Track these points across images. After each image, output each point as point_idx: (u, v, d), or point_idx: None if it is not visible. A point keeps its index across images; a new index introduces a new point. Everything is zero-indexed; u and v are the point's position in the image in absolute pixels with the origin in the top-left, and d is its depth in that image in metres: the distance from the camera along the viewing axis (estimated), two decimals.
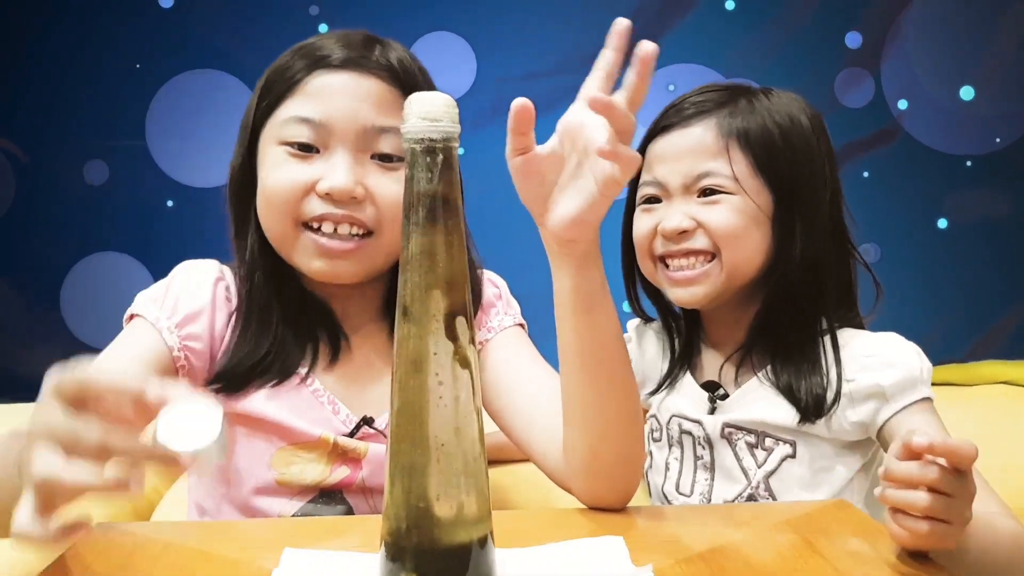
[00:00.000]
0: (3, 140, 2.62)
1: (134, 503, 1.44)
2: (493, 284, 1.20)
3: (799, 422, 1.10)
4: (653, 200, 1.17)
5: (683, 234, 1.13)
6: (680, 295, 1.16)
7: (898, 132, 2.63)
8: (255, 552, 0.84)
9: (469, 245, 1.11)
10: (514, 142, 0.83)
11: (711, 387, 1.20)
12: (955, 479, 0.76)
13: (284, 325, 1.09)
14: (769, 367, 1.15)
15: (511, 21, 2.61)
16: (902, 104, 2.63)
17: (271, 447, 1.07)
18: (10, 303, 2.65)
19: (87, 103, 2.61)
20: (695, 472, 1.18)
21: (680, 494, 1.19)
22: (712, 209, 1.12)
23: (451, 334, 0.68)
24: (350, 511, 1.09)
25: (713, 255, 1.13)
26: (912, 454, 0.78)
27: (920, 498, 0.76)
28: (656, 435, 1.25)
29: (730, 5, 2.63)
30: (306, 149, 1.04)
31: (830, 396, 1.09)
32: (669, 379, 1.24)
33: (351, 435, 1.09)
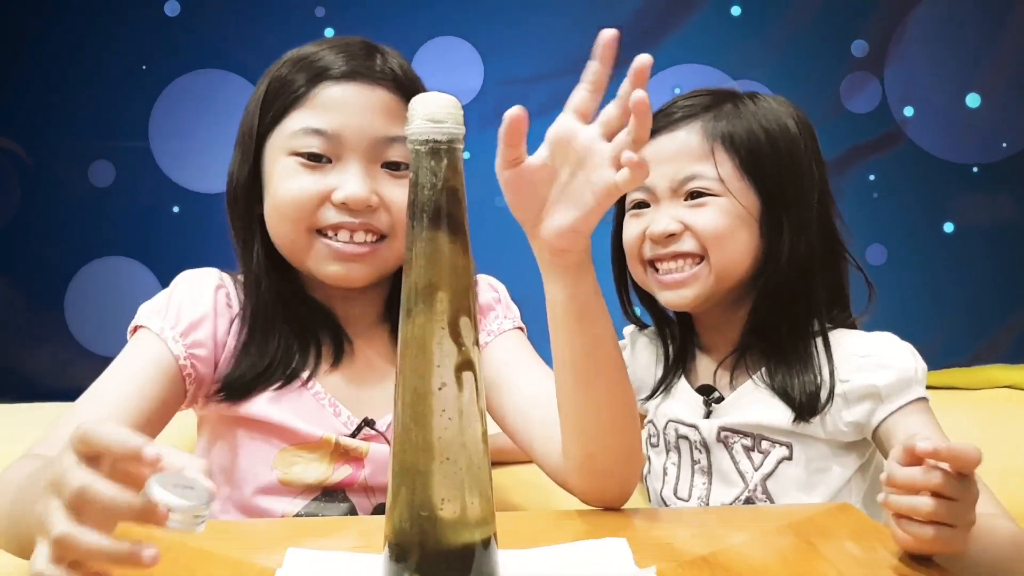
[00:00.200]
0: (7, 141, 2.63)
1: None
2: (492, 288, 1.21)
3: (793, 421, 1.11)
4: (642, 205, 1.18)
5: (671, 237, 1.13)
6: (670, 298, 1.17)
7: (905, 138, 2.62)
8: (258, 552, 0.84)
9: None
10: (505, 153, 0.83)
11: (706, 391, 1.20)
12: (959, 483, 0.76)
13: (288, 332, 1.10)
14: (763, 369, 1.15)
15: (514, 23, 2.61)
16: (908, 111, 2.62)
17: (273, 448, 1.08)
18: (14, 303, 2.65)
19: (91, 104, 2.62)
20: (693, 476, 1.19)
21: (678, 499, 1.19)
22: (699, 212, 1.13)
23: (455, 335, 0.68)
24: (353, 510, 1.09)
25: (701, 257, 1.14)
26: (914, 459, 0.77)
27: (924, 503, 0.76)
28: (653, 440, 1.25)
29: (736, 11, 2.63)
30: (316, 159, 1.06)
31: (823, 394, 1.10)
32: (664, 384, 1.25)
33: (352, 437, 1.10)
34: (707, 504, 1.16)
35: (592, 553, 0.83)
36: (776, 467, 1.13)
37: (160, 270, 2.59)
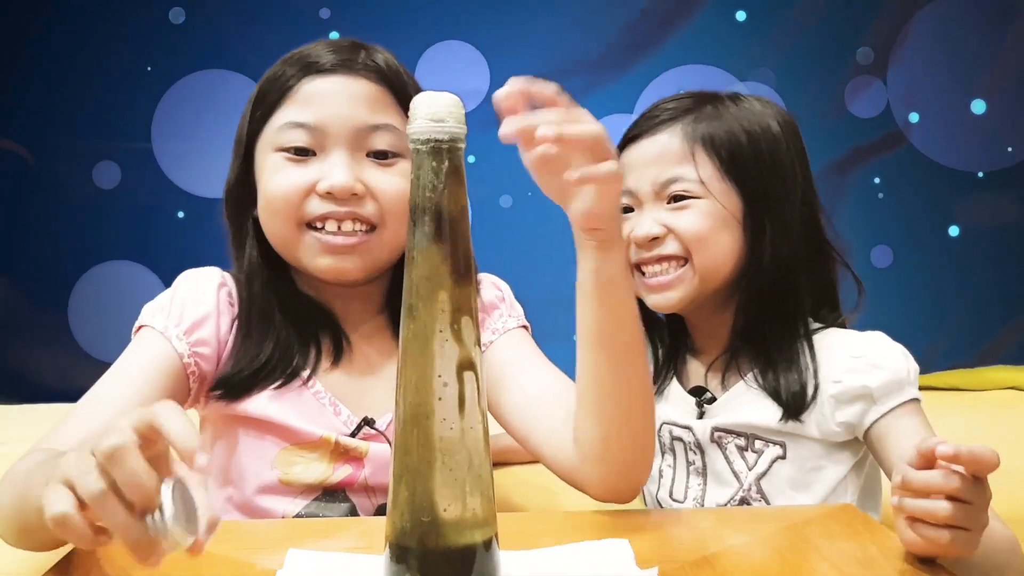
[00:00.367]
0: (11, 142, 2.63)
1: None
2: (496, 287, 1.21)
3: (780, 419, 1.11)
4: (627, 210, 1.19)
5: (654, 241, 1.14)
6: (656, 300, 1.17)
7: (909, 144, 2.62)
8: (259, 553, 0.84)
9: None
10: (508, 125, 0.83)
11: (698, 392, 1.20)
12: (974, 486, 0.76)
13: (286, 330, 1.10)
14: (755, 369, 1.15)
15: (516, 25, 2.62)
16: (913, 117, 2.62)
17: (273, 448, 1.08)
18: (18, 305, 2.65)
19: (94, 105, 2.62)
20: (688, 478, 1.19)
21: (674, 500, 1.20)
22: (681, 215, 1.13)
23: (456, 335, 0.68)
24: (353, 509, 1.09)
25: (685, 259, 1.14)
26: (927, 462, 0.77)
27: (942, 507, 0.76)
28: None
29: (741, 16, 2.63)
30: (302, 153, 1.07)
31: (809, 391, 1.10)
32: (656, 387, 1.25)
33: (352, 436, 1.10)
34: (702, 505, 1.16)
35: (594, 554, 0.83)
36: (770, 466, 1.13)
37: (165, 275, 2.58)
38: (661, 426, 1.22)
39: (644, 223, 1.15)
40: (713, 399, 1.18)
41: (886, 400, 1.07)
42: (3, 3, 2.60)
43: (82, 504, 0.62)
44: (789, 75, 2.59)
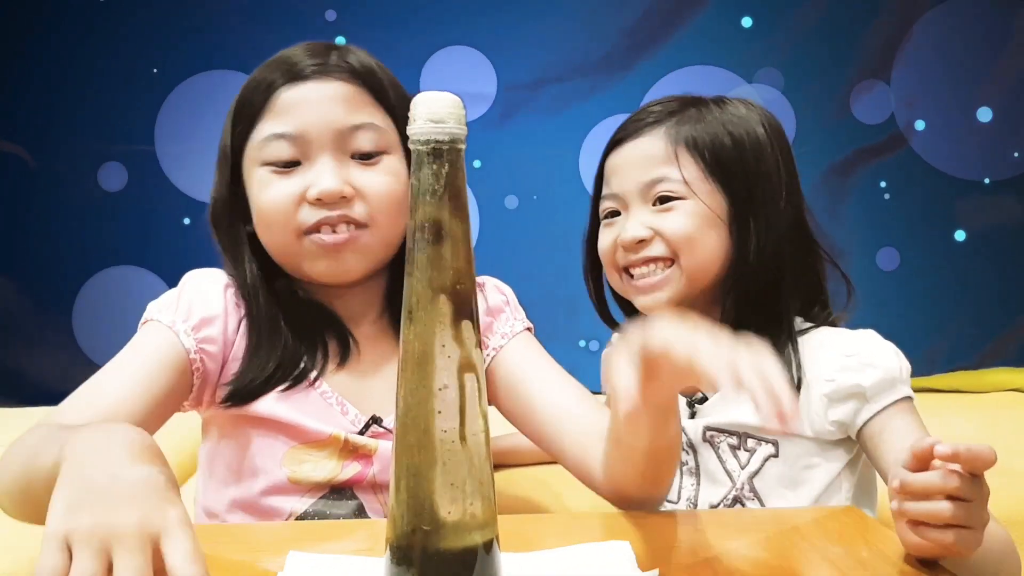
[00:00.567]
0: (12, 144, 2.63)
1: None
2: (500, 291, 1.21)
3: None
4: (614, 214, 1.20)
5: (641, 243, 1.15)
6: (645, 302, 1.18)
7: (915, 152, 2.62)
8: (260, 555, 0.84)
9: None
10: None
11: (688, 392, 1.20)
12: (972, 483, 0.76)
13: (292, 338, 1.11)
14: None
15: (521, 28, 2.61)
16: (919, 125, 2.62)
17: (282, 447, 1.08)
18: (22, 309, 2.66)
19: (96, 106, 2.62)
20: (681, 478, 1.19)
21: (668, 501, 1.19)
22: (667, 216, 1.15)
23: (457, 337, 0.67)
24: (360, 507, 1.10)
25: (672, 261, 1.15)
26: (923, 463, 0.77)
27: (944, 507, 0.76)
28: None
29: (747, 22, 2.63)
30: (288, 165, 1.08)
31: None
32: None
33: (360, 434, 1.10)
34: (695, 505, 1.17)
35: (595, 556, 0.83)
36: (763, 465, 1.13)
37: (171, 280, 2.58)
38: None
39: (631, 226, 1.16)
40: (704, 399, 1.18)
41: (879, 399, 1.07)
42: (5, 4, 2.60)
43: None
44: (794, 77, 2.59)
